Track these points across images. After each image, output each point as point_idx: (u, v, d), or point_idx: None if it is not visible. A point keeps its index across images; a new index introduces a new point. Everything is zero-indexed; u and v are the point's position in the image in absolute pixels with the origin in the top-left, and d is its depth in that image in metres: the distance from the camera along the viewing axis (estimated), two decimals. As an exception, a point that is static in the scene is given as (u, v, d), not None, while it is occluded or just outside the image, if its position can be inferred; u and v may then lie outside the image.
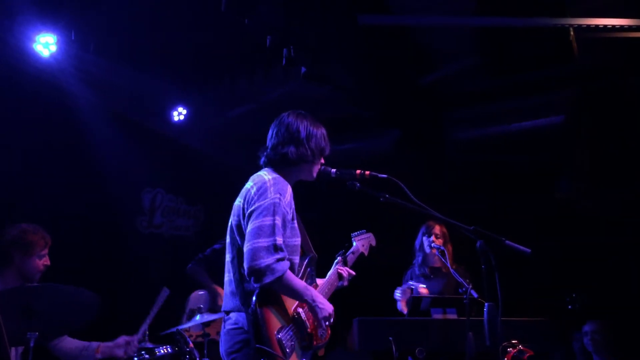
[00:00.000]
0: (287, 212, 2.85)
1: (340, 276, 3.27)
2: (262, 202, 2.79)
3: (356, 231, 3.73)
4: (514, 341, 3.95)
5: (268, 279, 2.66)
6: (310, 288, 2.89)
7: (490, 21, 5.24)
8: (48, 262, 3.92)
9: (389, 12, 5.79)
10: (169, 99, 6.82)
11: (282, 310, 2.80)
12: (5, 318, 2.65)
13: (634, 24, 4.95)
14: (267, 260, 2.66)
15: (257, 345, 2.65)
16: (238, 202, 2.94)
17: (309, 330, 2.88)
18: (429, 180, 6.46)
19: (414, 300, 4.37)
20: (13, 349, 3.65)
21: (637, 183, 5.99)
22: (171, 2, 5.28)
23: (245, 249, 2.73)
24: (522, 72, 5.97)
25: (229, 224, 2.98)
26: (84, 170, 6.16)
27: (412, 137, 7.06)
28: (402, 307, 4.82)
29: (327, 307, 2.89)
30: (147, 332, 4.29)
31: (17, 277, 3.81)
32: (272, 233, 2.71)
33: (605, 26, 4.96)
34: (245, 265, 2.70)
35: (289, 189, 2.92)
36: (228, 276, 2.93)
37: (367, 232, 3.78)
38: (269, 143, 3.12)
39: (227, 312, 2.88)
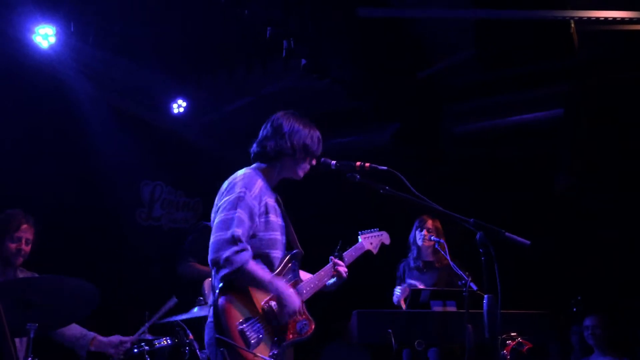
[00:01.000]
0: (255, 206, 2.88)
1: (339, 274, 3.23)
2: (228, 197, 2.88)
3: (366, 229, 3.71)
4: (513, 333, 3.97)
5: (226, 271, 2.72)
6: (278, 281, 2.88)
7: (489, 13, 5.23)
8: (22, 247, 3.93)
9: (388, 5, 5.79)
10: (169, 91, 6.80)
11: (249, 302, 2.81)
12: (5, 309, 2.66)
13: (634, 17, 4.94)
14: (226, 252, 2.72)
15: (217, 336, 2.69)
16: (216, 199, 3.02)
17: (282, 323, 2.87)
18: (427, 173, 6.46)
19: (414, 292, 4.38)
20: (16, 340, 3.66)
21: (636, 177, 5.99)
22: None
23: (210, 241, 2.81)
24: (522, 65, 5.96)
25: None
26: (83, 162, 6.16)
27: (410, 130, 7.05)
28: (401, 304, 4.82)
29: (292, 303, 2.87)
30: (147, 332, 4.30)
31: None
32: (233, 225, 2.78)
33: (606, 18, 4.96)
34: (209, 257, 2.78)
35: (259, 183, 2.96)
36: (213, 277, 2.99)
37: (379, 230, 3.76)
38: (255, 142, 3.19)
39: (211, 305, 2.92)
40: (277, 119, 3.16)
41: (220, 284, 2.78)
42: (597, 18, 4.95)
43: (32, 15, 5.00)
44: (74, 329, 3.97)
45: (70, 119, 6.04)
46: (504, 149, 6.86)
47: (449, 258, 4.67)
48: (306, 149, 3.10)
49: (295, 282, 3.07)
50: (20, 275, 4.06)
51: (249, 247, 2.81)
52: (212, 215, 3.00)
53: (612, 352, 5.37)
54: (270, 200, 3.03)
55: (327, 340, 7.14)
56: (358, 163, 3.08)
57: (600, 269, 6.09)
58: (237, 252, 2.74)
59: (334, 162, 3.12)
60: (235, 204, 2.84)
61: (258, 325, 2.79)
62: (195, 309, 4.48)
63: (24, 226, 3.97)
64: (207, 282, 4.86)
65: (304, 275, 3.22)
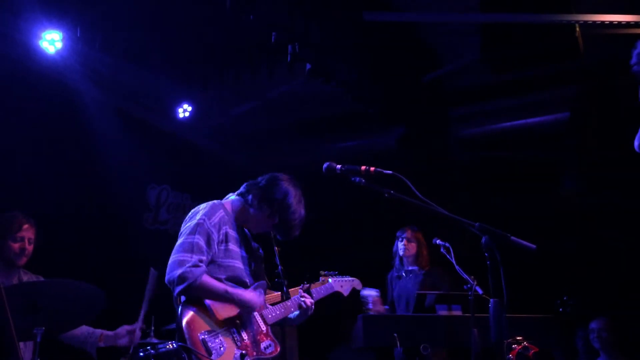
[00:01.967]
0: (213, 232, 3.04)
1: (299, 306, 3.36)
2: (189, 223, 3.07)
3: (341, 275, 3.97)
4: (518, 337, 3.96)
5: (180, 287, 2.87)
6: (233, 289, 3.03)
7: (495, 17, 5.23)
8: (25, 246, 3.97)
9: (393, 9, 5.79)
10: (175, 96, 6.82)
11: (211, 316, 2.95)
12: (12, 313, 2.67)
13: (639, 20, 4.93)
14: (179, 271, 2.89)
15: (179, 344, 2.84)
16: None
17: (246, 340, 2.99)
18: (433, 177, 6.45)
19: (419, 296, 4.38)
20: (22, 343, 3.67)
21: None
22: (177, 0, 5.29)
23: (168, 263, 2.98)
24: (527, 69, 5.96)
25: None
26: (89, 166, 6.17)
27: (416, 134, 7.05)
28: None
29: (253, 303, 3.06)
30: (147, 323, 4.31)
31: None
32: (189, 250, 2.95)
33: (611, 22, 4.95)
34: (165, 279, 2.96)
35: (220, 213, 3.13)
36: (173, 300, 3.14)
37: (352, 277, 4.01)
38: (251, 181, 3.35)
39: None
40: (277, 180, 3.29)
41: (182, 299, 2.94)
42: (602, 22, 4.94)
43: (38, 21, 5.04)
44: (82, 329, 4.01)
45: (77, 123, 6.06)
46: (509, 153, 6.85)
47: (454, 262, 4.66)
48: (286, 225, 3.24)
49: (262, 307, 3.22)
50: (24, 277, 4.08)
51: (203, 265, 2.95)
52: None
53: (618, 355, 5.35)
54: (232, 231, 3.17)
55: (333, 344, 7.14)
56: (363, 167, 3.08)
57: (606, 272, 6.06)
58: (190, 268, 2.89)
59: (339, 166, 3.12)
60: (194, 230, 3.01)
61: (221, 338, 2.90)
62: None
63: (26, 226, 4.00)
64: None
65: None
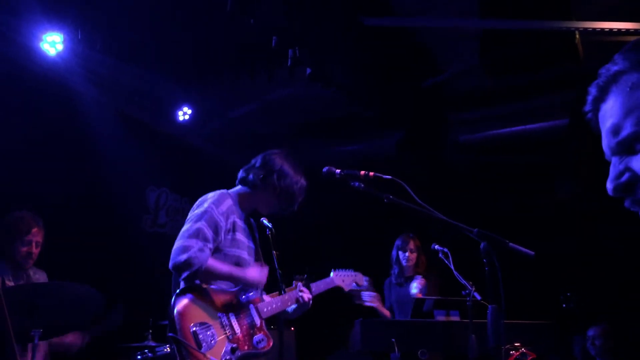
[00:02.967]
0: (221, 220, 3.05)
1: (297, 300, 3.35)
2: (197, 211, 3.10)
3: (341, 268, 3.94)
4: (516, 344, 3.96)
5: (186, 272, 2.88)
6: (237, 270, 3.05)
7: (494, 23, 5.25)
8: (32, 250, 3.96)
9: (392, 14, 5.80)
10: (175, 98, 6.84)
11: (207, 308, 2.94)
12: (10, 314, 2.67)
13: (638, 28, 4.95)
14: (184, 255, 2.88)
15: (170, 334, 2.81)
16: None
17: (238, 334, 2.98)
18: (432, 181, 6.46)
19: (417, 301, 4.38)
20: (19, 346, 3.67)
21: None
22: (177, 2, 5.29)
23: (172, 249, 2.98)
24: (527, 75, 5.97)
25: None
26: (89, 168, 6.18)
27: (414, 138, 7.06)
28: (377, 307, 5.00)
29: (254, 279, 3.07)
30: (145, 326, 4.32)
31: (7, 265, 3.89)
32: (194, 236, 2.95)
33: (611, 29, 4.97)
34: (169, 264, 2.94)
35: (228, 202, 3.14)
36: (173, 285, 3.12)
37: (354, 271, 3.95)
38: (246, 166, 3.37)
39: None
40: (271, 154, 3.32)
41: (180, 287, 2.94)
42: (602, 29, 4.96)
43: (39, 23, 5.04)
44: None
45: (77, 125, 6.07)
46: (508, 158, 6.86)
47: (452, 267, 4.66)
48: (289, 194, 3.25)
49: (257, 300, 3.20)
50: (33, 275, 4.08)
51: (207, 249, 2.94)
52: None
53: (615, 362, 5.36)
54: (239, 221, 3.18)
55: (331, 348, 7.13)
56: (362, 172, 3.09)
57: (604, 278, 6.06)
58: (196, 253, 2.88)
59: (338, 170, 3.13)
60: (200, 217, 3.02)
61: (212, 331, 2.89)
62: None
63: (35, 229, 4.00)
64: None
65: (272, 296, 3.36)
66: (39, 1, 4.90)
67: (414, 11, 5.76)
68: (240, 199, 3.25)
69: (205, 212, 3.04)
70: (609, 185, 1.11)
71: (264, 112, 7.12)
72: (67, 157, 5.92)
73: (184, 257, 2.88)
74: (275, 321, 3.48)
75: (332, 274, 3.78)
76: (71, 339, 4.16)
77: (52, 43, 5.16)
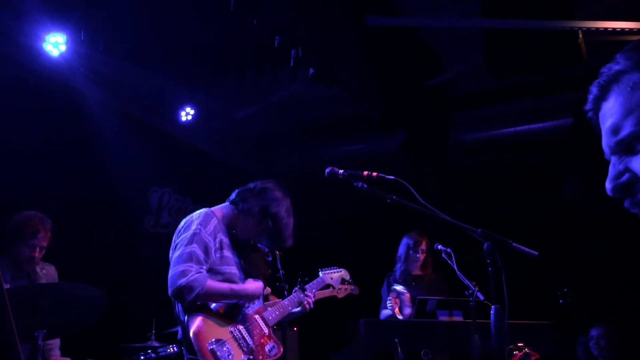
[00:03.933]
0: (210, 241, 3.11)
1: (299, 303, 3.45)
2: (185, 234, 3.12)
3: (327, 267, 3.99)
4: (520, 344, 3.95)
5: (189, 297, 2.93)
6: (236, 286, 3.12)
7: (498, 23, 5.24)
8: (36, 254, 3.94)
9: (396, 14, 5.80)
10: (177, 99, 6.84)
11: (217, 324, 3.03)
12: (13, 315, 2.67)
13: (642, 27, 4.93)
14: (182, 280, 2.93)
15: (189, 356, 2.90)
16: (174, 238, 3.24)
17: (251, 345, 3.04)
18: (435, 181, 6.46)
19: (420, 302, 4.38)
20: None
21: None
22: (180, 2, 5.30)
23: (168, 276, 3.03)
24: (530, 75, 5.95)
25: None
26: (92, 169, 6.18)
27: (418, 138, 7.05)
28: (397, 314, 4.90)
29: (256, 291, 3.16)
30: (148, 327, 4.32)
31: (8, 264, 3.88)
32: (189, 260, 3.00)
33: (614, 29, 4.95)
34: (169, 291, 2.99)
35: (214, 222, 3.19)
36: (174, 308, 3.19)
37: (339, 268, 4.02)
38: (243, 188, 3.41)
39: (181, 342, 3.17)
40: (271, 192, 3.35)
41: (187, 309, 3.00)
42: (605, 29, 4.95)
43: (42, 24, 5.05)
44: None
45: (80, 125, 6.08)
46: (512, 158, 6.85)
47: (455, 268, 4.65)
48: (277, 236, 3.31)
49: (261, 309, 3.28)
50: (40, 270, 4.07)
51: (203, 270, 3.01)
52: (171, 252, 3.18)
53: (618, 362, 5.35)
54: (225, 238, 3.23)
55: (334, 348, 7.13)
56: (365, 172, 3.08)
57: (607, 279, 6.05)
58: (194, 276, 2.94)
59: (341, 171, 3.13)
60: (191, 240, 3.07)
61: (228, 346, 2.95)
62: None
63: (40, 235, 3.95)
64: None
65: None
66: (41, 2, 4.91)
67: (418, 11, 5.75)
68: (225, 218, 3.30)
69: (194, 234, 3.08)
70: (608, 185, 1.11)
71: (267, 113, 7.12)
72: (70, 158, 5.93)
73: (183, 281, 2.93)
74: (278, 322, 3.51)
75: (320, 273, 3.85)
76: None
77: (55, 44, 5.16)
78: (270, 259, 3.48)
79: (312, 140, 7.76)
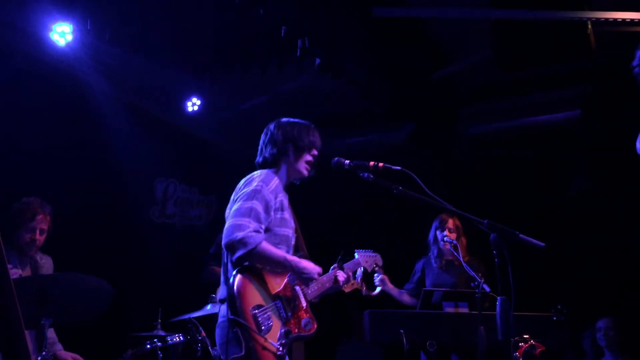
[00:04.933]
0: (271, 199, 3.00)
1: (335, 279, 3.33)
2: (246, 189, 3.00)
3: (362, 249, 3.86)
4: (525, 336, 3.94)
5: (241, 252, 2.81)
6: (291, 257, 3.01)
7: (506, 14, 5.20)
8: (36, 237, 3.97)
9: (403, 5, 5.76)
10: (184, 89, 6.83)
11: (262, 290, 2.91)
12: (20, 303, 2.68)
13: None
14: (240, 234, 2.82)
15: (231, 317, 2.77)
16: (232, 196, 3.11)
17: (289, 316, 2.95)
18: (442, 173, 6.44)
19: (426, 293, 4.37)
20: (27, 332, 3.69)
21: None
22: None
23: (224, 228, 2.90)
24: (538, 67, 5.91)
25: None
26: (97, 159, 6.20)
27: (424, 131, 7.03)
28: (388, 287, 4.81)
29: (310, 270, 3.03)
30: (154, 316, 4.33)
31: (13, 250, 3.91)
32: (248, 214, 2.88)
33: (623, 20, 4.90)
34: (222, 242, 2.87)
35: (275, 180, 3.09)
36: (223, 267, 3.06)
37: (374, 252, 3.89)
38: (259, 147, 3.32)
39: (222, 301, 2.99)
40: (268, 128, 3.30)
41: (236, 268, 2.88)
42: (615, 19, 4.90)
43: (49, 13, 5.05)
44: (51, 332, 4.02)
45: (86, 115, 6.09)
46: (519, 151, 6.81)
47: (461, 258, 4.64)
48: (296, 143, 3.18)
49: (302, 283, 3.16)
50: (40, 260, 4.10)
51: (262, 230, 2.90)
52: (227, 211, 3.07)
53: (623, 355, 5.34)
54: (285, 201, 3.14)
55: (340, 339, 7.15)
56: (372, 163, 3.08)
57: (614, 273, 6.03)
58: (251, 234, 2.83)
59: (347, 161, 3.13)
60: (252, 196, 2.95)
61: (269, 313, 2.86)
62: (208, 307, 4.50)
63: (39, 217, 4.01)
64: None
65: None
66: (48, -9, 4.91)
67: (425, 2, 5.72)
68: (281, 176, 3.19)
69: (255, 190, 2.97)
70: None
71: (273, 104, 7.10)
72: (75, 148, 5.94)
73: (239, 235, 2.82)
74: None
75: (356, 255, 3.75)
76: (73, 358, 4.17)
77: (62, 33, 5.15)
78: None
79: (319, 131, 7.73)
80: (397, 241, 5.87)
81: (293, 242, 3.18)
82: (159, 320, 4.52)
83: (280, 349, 2.81)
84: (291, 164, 3.20)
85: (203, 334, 4.34)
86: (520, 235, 2.59)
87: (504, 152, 6.91)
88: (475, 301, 3.91)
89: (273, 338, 2.81)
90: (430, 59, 6.51)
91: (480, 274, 4.11)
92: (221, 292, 3.02)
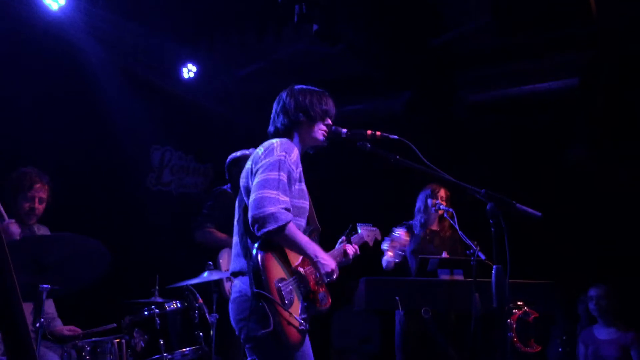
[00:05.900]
0: (293, 170, 2.87)
1: (345, 253, 3.29)
2: (269, 159, 2.83)
3: (363, 223, 3.78)
4: (519, 302, 3.99)
5: (271, 227, 2.68)
6: (313, 243, 2.90)
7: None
8: (35, 205, 3.98)
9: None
10: (179, 56, 6.75)
11: (284, 263, 2.83)
12: (16, 271, 2.67)
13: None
14: (271, 208, 2.69)
15: (256, 290, 2.68)
16: (248, 165, 2.97)
17: (308, 290, 2.90)
18: (439, 142, 6.41)
19: (422, 260, 4.40)
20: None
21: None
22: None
23: (250, 199, 2.76)
24: (538, 33, 5.85)
25: (240, 188, 3.00)
26: (92, 126, 6.15)
27: (422, 98, 6.98)
28: (389, 258, 4.63)
29: (330, 263, 2.90)
30: (152, 283, 4.35)
31: (15, 221, 3.90)
32: (277, 187, 2.75)
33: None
34: (249, 215, 2.73)
35: (296, 150, 2.94)
36: (235, 238, 2.97)
37: (373, 226, 3.83)
38: (271, 117, 3.16)
39: (235, 275, 2.92)
40: (280, 96, 3.14)
41: (259, 241, 2.76)
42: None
43: (41, -23, 4.95)
44: (50, 307, 4.04)
45: (80, 81, 6.02)
46: (517, 118, 6.78)
47: (457, 227, 4.66)
48: (307, 112, 3.06)
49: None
50: (37, 230, 4.11)
51: (290, 207, 2.79)
52: (243, 180, 2.96)
53: (616, 323, 5.39)
54: (302, 171, 3.01)
55: (336, 306, 7.21)
56: (369, 131, 3.05)
57: (612, 241, 6.06)
58: (283, 209, 2.72)
59: (344, 130, 3.10)
60: (276, 166, 2.80)
61: (290, 288, 2.80)
62: (205, 274, 4.51)
63: (37, 185, 4.01)
64: (224, 252, 4.86)
65: None
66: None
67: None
68: (297, 145, 3.07)
69: (280, 160, 2.81)
70: None
71: (270, 71, 7.03)
72: (70, 115, 5.89)
73: (272, 209, 2.68)
74: None
75: (359, 229, 3.73)
76: (69, 331, 4.21)
77: (54, -3, 5.07)
78: None
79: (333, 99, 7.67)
80: (392, 210, 5.87)
81: (307, 214, 3.07)
82: (157, 287, 4.53)
83: (303, 323, 2.77)
84: (304, 133, 3.08)
85: (200, 300, 4.37)
86: (517, 205, 2.59)
87: (501, 118, 6.88)
88: (470, 268, 3.93)
89: (296, 312, 2.76)
90: (429, 25, 6.44)
91: (475, 242, 4.14)
92: (234, 264, 2.93)
